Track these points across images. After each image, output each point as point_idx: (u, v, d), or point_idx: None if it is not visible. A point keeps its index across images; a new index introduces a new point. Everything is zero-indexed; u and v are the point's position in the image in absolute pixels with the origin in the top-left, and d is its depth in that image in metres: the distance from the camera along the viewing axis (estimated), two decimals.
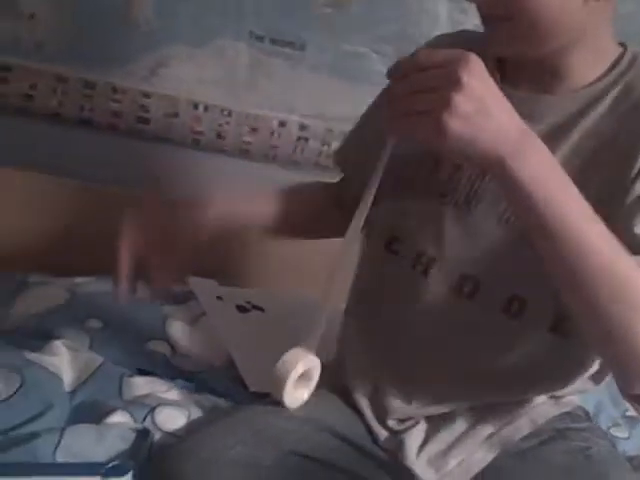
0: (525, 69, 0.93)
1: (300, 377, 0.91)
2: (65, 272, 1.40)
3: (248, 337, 1.25)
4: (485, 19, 0.88)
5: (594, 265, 0.75)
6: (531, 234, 0.78)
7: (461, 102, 0.69)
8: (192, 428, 0.96)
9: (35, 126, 1.59)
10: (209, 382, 1.11)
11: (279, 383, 0.88)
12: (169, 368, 1.14)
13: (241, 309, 1.36)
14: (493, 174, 0.75)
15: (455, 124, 0.69)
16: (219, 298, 1.39)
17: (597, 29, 0.89)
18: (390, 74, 0.74)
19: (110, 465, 0.73)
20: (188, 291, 1.40)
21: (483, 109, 0.71)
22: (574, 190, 0.76)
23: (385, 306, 1.02)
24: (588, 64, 0.92)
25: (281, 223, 1.10)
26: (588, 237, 0.75)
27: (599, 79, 0.92)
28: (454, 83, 0.69)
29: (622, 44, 0.95)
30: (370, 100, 1.19)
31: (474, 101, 0.70)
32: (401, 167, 0.99)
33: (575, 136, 0.90)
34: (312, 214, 1.16)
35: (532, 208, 0.74)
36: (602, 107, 0.91)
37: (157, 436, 0.94)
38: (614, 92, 0.91)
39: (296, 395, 0.92)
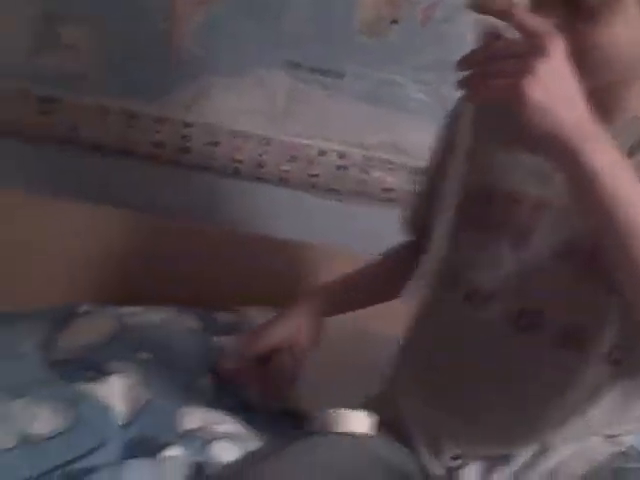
0: None
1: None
2: (113, 302, 1.41)
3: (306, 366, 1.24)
4: None
5: None
6: (597, 227, 0.77)
7: (544, 71, 0.68)
8: (247, 461, 0.96)
9: (80, 157, 1.61)
10: (260, 415, 1.11)
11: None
12: (220, 402, 1.13)
13: None
14: (563, 160, 0.73)
15: (535, 91, 0.68)
16: None
17: None
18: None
19: None
20: (238, 321, 1.40)
21: (564, 85, 0.70)
22: None
23: (440, 341, 1.01)
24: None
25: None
26: None
27: None
28: (540, 52, 0.68)
29: None
30: (407, 127, 1.19)
31: (556, 75, 0.69)
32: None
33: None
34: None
35: (600, 199, 0.73)
36: None
37: (212, 469, 0.94)
38: None
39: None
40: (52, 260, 1.51)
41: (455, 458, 0.98)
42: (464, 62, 0.71)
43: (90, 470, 0.89)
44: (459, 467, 0.97)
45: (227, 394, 1.17)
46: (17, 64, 1.55)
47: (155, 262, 1.57)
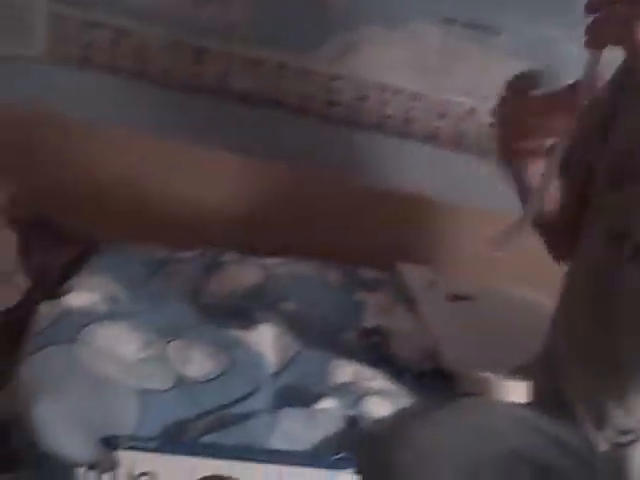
0: None
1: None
2: (260, 252, 1.41)
3: (457, 327, 1.21)
4: None
5: None
6: None
7: None
8: (403, 418, 0.94)
9: (230, 107, 1.61)
10: (407, 373, 1.09)
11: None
12: (366, 358, 1.12)
13: (451, 298, 1.32)
14: None
15: None
16: (428, 285, 1.36)
17: None
18: None
19: (334, 457, 0.72)
20: (381, 278, 1.38)
21: None
22: None
23: (599, 303, 0.96)
24: None
25: None
26: None
27: None
28: None
29: None
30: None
31: None
32: (621, 157, 0.95)
33: None
34: None
35: None
36: None
37: (366, 424, 0.93)
38: None
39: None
40: (202, 208, 1.54)
41: (624, 433, 0.92)
42: (588, 6, 0.68)
43: (246, 416, 0.89)
44: (627, 444, 0.92)
45: (374, 351, 1.15)
46: (173, 16, 1.57)
47: (301, 215, 1.57)
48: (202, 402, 0.92)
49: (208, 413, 0.91)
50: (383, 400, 0.97)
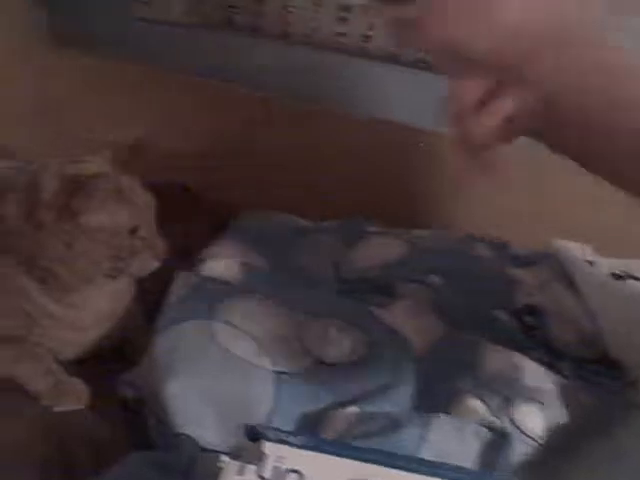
0: None
1: None
2: (399, 224, 1.34)
3: (623, 310, 1.08)
4: None
5: None
6: None
7: None
8: (556, 443, 0.81)
9: (372, 68, 1.53)
10: (567, 360, 0.98)
11: None
12: (518, 340, 1.02)
13: (615, 277, 1.19)
14: None
15: None
16: (589, 262, 1.24)
17: None
18: None
19: (495, 477, 0.62)
20: (538, 254, 1.27)
21: None
22: None
23: None
24: None
25: None
26: None
27: None
28: None
29: None
30: None
31: None
32: None
33: None
34: None
35: None
36: None
37: (518, 442, 0.80)
38: None
39: None
40: (335, 175, 1.49)
41: None
42: None
43: (398, 423, 0.81)
44: None
45: (528, 333, 1.05)
46: None
47: (429, 185, 1.50)
48: (340, 391, 0.86)
49: (346, 404, 0.84)
50: (535, 407, 0.85)
